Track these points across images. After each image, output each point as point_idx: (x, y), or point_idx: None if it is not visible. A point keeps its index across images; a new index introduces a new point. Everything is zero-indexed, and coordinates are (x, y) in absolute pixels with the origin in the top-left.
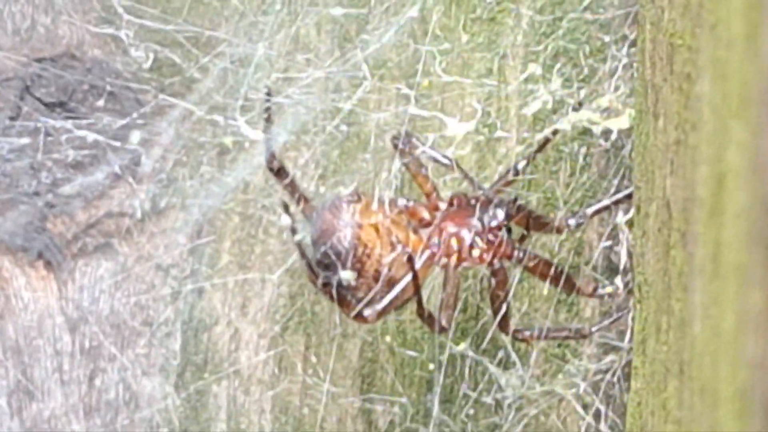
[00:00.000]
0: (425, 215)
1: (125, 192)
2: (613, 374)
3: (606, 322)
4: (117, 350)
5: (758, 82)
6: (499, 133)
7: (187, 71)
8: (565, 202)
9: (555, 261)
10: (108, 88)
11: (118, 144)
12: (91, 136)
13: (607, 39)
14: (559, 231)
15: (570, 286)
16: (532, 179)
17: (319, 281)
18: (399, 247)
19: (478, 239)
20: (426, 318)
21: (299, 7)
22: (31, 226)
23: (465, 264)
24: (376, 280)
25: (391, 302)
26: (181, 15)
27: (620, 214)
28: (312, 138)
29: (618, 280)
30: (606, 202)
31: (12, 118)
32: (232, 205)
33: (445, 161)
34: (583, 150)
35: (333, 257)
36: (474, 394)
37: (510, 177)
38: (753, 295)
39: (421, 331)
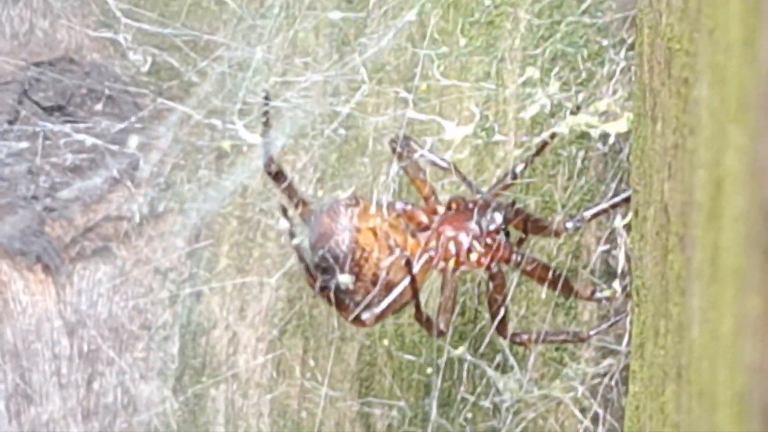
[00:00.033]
0: (423, 219)
1: (123, 196)
2: (611, 378)
3: (604, 326)
4: (115, 354)
5: (756, 87)
6: (497, 137)
7: (185, 75)
8: (563, 206)
9: (553, 264)
10: (106, 92)
11: (116, 148)
12: (89, 140)
13: (605, 43)
14: (557, 234)
15: (568, 290)
16: (530, 183)
17: (318, 285)
18: (397, 251)
19: (476, 243)
20: (424, 322)
21: (297, 11)
22: (30, 230)
23: (463, 267)
24: (374, 283)
25: (389, 306)
26: (180, 19)
27: (618, 217)
28: (310, 142)
29: (616, 284)
30: (604, 205)
31: (10, 122)
32: (231, 209)
33: (444, 165)
34: (581, 154)
35: (331, 261)
36: (472, 398)
37: (508, 180)
38: (751, 299)
39: (419, 334)
